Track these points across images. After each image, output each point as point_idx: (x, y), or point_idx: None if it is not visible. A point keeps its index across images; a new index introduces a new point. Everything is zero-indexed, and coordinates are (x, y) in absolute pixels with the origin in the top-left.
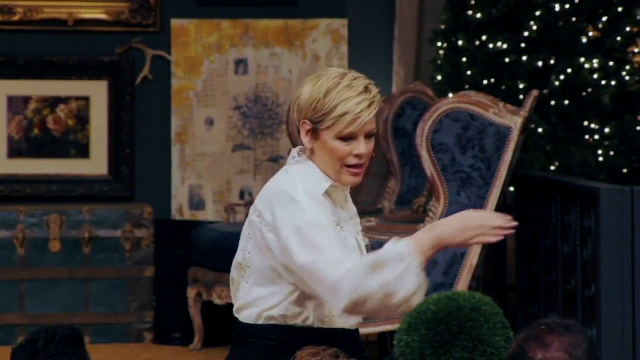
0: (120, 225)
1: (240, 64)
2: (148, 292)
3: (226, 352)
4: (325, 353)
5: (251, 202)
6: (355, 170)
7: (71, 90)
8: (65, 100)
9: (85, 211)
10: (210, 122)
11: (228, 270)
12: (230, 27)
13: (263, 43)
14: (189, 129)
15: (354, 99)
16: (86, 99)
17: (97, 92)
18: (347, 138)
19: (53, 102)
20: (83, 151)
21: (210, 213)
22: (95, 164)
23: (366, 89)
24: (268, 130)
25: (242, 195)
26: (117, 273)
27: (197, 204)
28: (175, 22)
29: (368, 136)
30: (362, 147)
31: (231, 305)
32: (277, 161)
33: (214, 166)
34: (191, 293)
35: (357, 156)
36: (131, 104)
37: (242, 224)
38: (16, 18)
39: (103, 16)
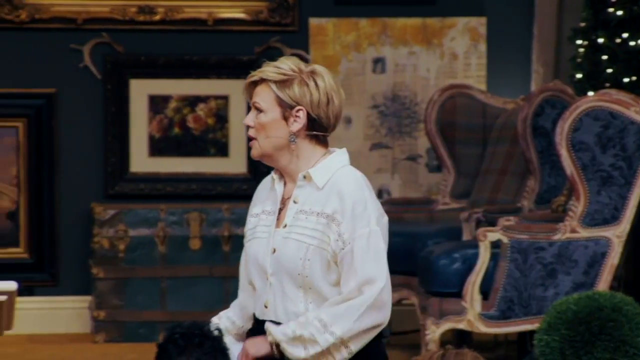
0: None
1: (378, 63)
2: None
3: None
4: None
5: (389, 201)
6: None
7: (210, 89)
8: (204, 99)
9: (225, 209)
10: (348, 121)
11: None
12: (368, 25)
13: (401, 41)
14: None
15: None
16: (225, 98)
17: (236, 90)
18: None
19: (193, 101)
20: (222, 150)
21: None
22: (234, 162)
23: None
24: (406, 129)
25: (380, 194)
26: None
27: None
28: (313, 21)
29: (256, 109)
30: (247, 116)
31: None
32: (415, 160)
33: (352, 164)
34: None
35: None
36: None
37: None
38: (157, 18)
39: (242, 15)
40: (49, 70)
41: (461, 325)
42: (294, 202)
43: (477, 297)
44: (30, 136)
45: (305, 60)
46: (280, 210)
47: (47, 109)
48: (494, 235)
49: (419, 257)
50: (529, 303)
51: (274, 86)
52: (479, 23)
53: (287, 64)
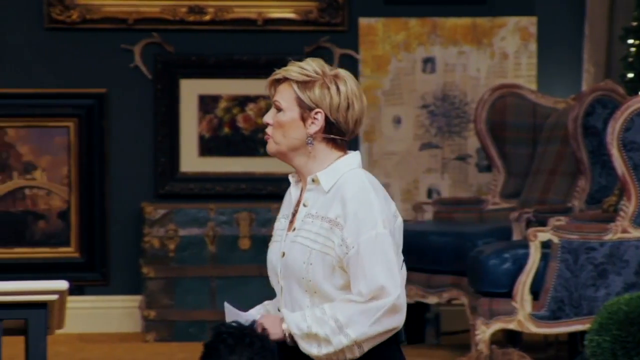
0: None
1: (428, 63)
2: None
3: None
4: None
5: (439, 201)
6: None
7: (260, 89)
8: (254, 98)
9: (274, 209)
10: (397, 121)
11: (414, 269)
12: (418, 25)
13: (451, 41)
14: (376, 128)
15: None
16: None
17: None
18: None
19: (242, 101)
20: None
21: (398, 211)
22: (283, 162)
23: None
24: (455, 128)
25: (429, 193)
26: None
27: None
28: (363, 21)
29: (276, 107)
30: (267, 114)
31: (416, 304)
32: (464, 159)
33: (401, 164)
34: None
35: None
36: None
37: (430, 223)
38: (207, 18)
39: (291, 15)
40: (99, 71)
41: (511, 326)
42: (304, 205)
43: (528, 297)
44: (81, 136)
45: (354, 60)
46: (294, 213)
47: (97, 109)
48: (544, 235)
49: (468, 257)
50: (580, 303)
51: (295, 86)
52: (530, 22)
53: (311, 66)
